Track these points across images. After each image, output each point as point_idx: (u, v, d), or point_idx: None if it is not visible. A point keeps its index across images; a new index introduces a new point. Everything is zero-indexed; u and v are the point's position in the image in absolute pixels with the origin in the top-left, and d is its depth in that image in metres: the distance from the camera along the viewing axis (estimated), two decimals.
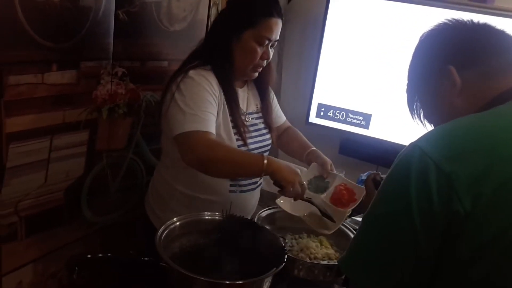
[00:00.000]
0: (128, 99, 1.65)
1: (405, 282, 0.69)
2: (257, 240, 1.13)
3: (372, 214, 0.74)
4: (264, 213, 1.49)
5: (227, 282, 0.97)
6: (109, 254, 1.00)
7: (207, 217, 1.18)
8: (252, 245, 1.11)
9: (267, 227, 1.34)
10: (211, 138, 1.27)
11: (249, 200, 1.54)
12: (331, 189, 1.49)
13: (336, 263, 1.31)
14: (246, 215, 1.52)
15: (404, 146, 2.24)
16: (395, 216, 0.69)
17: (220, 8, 1.95)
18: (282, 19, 1.40)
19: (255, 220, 1.39)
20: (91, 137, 1.56)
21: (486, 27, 0.81)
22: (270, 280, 1.03)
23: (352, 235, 1.46)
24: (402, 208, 0.68)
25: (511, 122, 0.72)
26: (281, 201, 1.44)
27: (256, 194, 1.58)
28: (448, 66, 0.79)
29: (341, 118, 2.34)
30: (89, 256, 0.96)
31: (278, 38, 1.41)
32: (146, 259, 0.96)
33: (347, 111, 2.32)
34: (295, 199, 1.33)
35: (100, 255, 0.99)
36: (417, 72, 0.88)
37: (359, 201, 1.44)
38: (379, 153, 2.29)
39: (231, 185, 1.45)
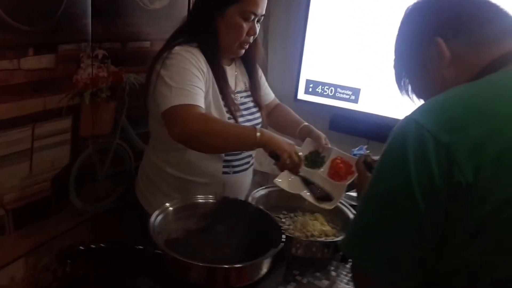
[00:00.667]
0: (111, 83, 1.59)
1: (410, 261, 0.66)
2: (253, 222, 1.10)
3: (372, 194, 0.71)
4: (258, 193, 1.47)
5: (226, 266, 0.95)
6: (101, 245, 0.96)
7: (200, 200, 1.15)
8: (248, 227, 1.09)
9: (261, 207, 1.32)
10: (201, 111, 1.23)
11: (243, 181, 1.51)
12: (327, 163, 1.47)
13: (333, 240, 1.30)
14: (240, 196, 1.50)
15: (395, 119, 2.24)
16: (395, 194, 0.66)
17: None
18: None
19: (249, 200, 1.37)
20: (75, 123, 1.50)
21: None
22: (269, 261, 1.00)
23: (347, 211, 1.45)
24: (402, 184, 0.65)
25: (507, 88, 0.69)
26: (279, 180, 1.41)
27: (249, 174, 1.55)
28: (436, 38, 0.77)
29: (330, 94, 2.30)
30: (81, 247, 0.92)
31: (264, 12, 1.36)
32: (141, 247, 0.92)
33: (336, 86, 2.28)
34: (292, 171, 1.30)
35: (93, 246, 0.95)
36: (404, 46, 0.86)
37: (356, 174, 1.43)
38: (370, 127, 2.27)
39: (224, 166, 1.41)
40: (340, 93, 2.28)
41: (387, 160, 0.70)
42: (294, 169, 1.29)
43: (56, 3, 1.31)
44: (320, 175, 1.45)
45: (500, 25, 0.76)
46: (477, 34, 0.76)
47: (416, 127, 0.66)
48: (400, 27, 0.87)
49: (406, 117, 0.69)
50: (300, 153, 1.33)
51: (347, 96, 2.27)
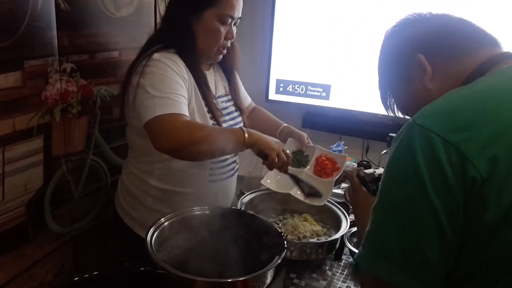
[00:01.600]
0: (81, 97, 1.52)
1: (433, 265, 0.65)
2: (251, 230, 1.08)
3: (384, 202, 0.69)
4: (245, 199, 1.45)
5: (232, 280, 0.92)
6: (95, 273, 0.90)
7: (196, 212, 1.11)
8: (247, 236, 1.06)
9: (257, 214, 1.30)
10: (187, 120, 1.19)
11: (230, 187, 1.48)
12: (312, 162, 1.49)
13: (327, 240, 1.30)
14: (228, 203, 1.47)
15: (366, 113, 2.27)
16: (410, 199, 0.65)
17: None
18: None
19: (239, 207, 1.34)
20: (46, 143, 1.42)
21: (445, 16, 0.84)
22: (273, 270, 0.99)
23: (335, 209, 1.46)
24: (416, 189, 0.64)
25: (503, 86, 0.71)
26: (268, 181, 1.41)
27: (234, 180, 1.53)
28: (417, 55, 0.80)
29: (301, 92, 2.32)
30: (77, 278, 0.86)
31: (240, 15, 1.34)
32: (145, 268, 0.88)
33: (307, 84, 2.30)
34: (281, 170, 1.29)
35: (86, 275, 0.89)
36: (387, 66, 0.89)
37: (342, 169, 1.46)
38: (342, 123, 2.31)
39: (210, 174, 1.38)
40: (311, 90, 2.30)
41: (395, 167, 0.69)
42: (283, 167, 1.29)
43: (19, 17, 1.23)
44: (306, 173, 1.46)
45: (475, 37, 0.80)
46: (456, 48, 0.79)
47: (421, 130, 0.65)
48: (381, 49, 0.90)
49: (408, 124, 0.69)
50: (288, 151, 1.33)
51: (318, 93, 2.29)
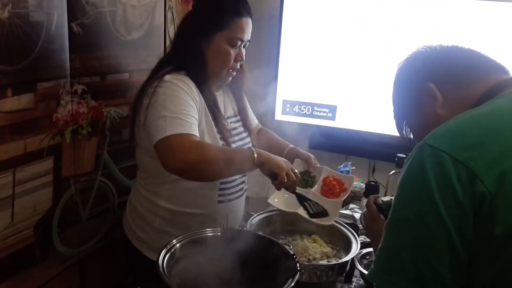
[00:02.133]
0: (91, 118, 1.53)
1: (446, 281, 0.66)
2: (264, 252, 1.07)
3: (396, 220, 0.71)
4: (254, 220, 1.44)
5: None
6: None
7: (208, 234, 1.11)
8: (259, 258, 1.05)
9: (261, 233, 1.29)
10: (195, 140, 1.19)
11: (238, 208, 1.48)
12: (319, 182, 1.49)
13: (337, 262, 1.29)
14: (236, 224, 1.47)
15: (372, 133, 2.27)
16: (421, 215, 0.67)
17: (175, 12, 1.86)
18: (252, 18, 1.35)
19: (247, 228, 1.33)
20: (56, 164, 1.43)
21: (454, 47, 0.89)
22: None
23: (345, 230, 1.45)
24: (427, 206, 0.66)
25: (509, 106, 0.74)
26: (275, 200, 1.41)
27: (243, 200, 1.52)
28: (427, 83, 0.85)
29: (307, 113, 2.32)
30: None
31: (249, 38, 1.36)
32: None
33: (313, 104, 2.31)
34: (289, 189, 1.29)
35: None
36: (401, 97, 0.94)
37: (349, 190, 1.47)
38: (349, 143, 2.31)
39: (219, 195, 1.37)
40: (317, 111, 2.31)
41: (407, 185, 0.71)
42: (291, 187, 1.29)
43: (34, 40, 1.25)
44: (314, 193, 1.45)
45: (483, 65, 0.85)
46: (465, 75, 0.84)
47: (431, 150, 0.68)
48: (395, 82, 0.95)
49: (419, 144, 0.71)
50: (296, 171, 1.33)
51: (324, 114, 2.30)
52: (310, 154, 1.53)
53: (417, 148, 0.71)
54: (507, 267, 0.64)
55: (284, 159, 1.28)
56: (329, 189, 1.48)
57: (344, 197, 1.45)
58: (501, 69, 0.85)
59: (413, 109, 0.90)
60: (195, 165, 1.16)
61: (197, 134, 1.22)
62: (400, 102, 0.94)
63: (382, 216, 1.08)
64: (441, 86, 0.85)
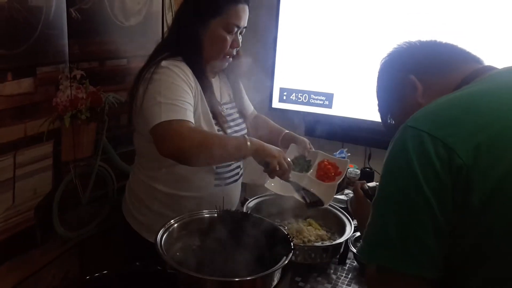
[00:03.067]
0: (90, 103, 1.55)
1: (430, 248, 0.70)
2: (259, 232, 1.10)
3: (381, 197, 0.76)
4: (250, 204, 1.47)
5: (240, 279, 0.94)
6: (105, 272, 0.92)
7: (204, 215, 1.14)
8: (254, 238, 1.08)
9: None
10: (190, 126, 1.22)
11: (234, 192, 1.50)
12: (314, 166, 1.51)
13: (331, 244, 1.32)
14: (233, 208, 1.49)
15: (368, 121, 2.29)
16: (404, 191, 0.71)
17: None
18: (248, 5, 1.36)
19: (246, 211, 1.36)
20: (56, 148, 1.45)
21: (433, 41, 0.95)
22: (280, 272, 1.01)
23: (337, 212, 1.48)
24: (409, 182, 0.71)
25: (486, 90, 0.79)
26: (272, 184, 1.43)
27: (239, 185, 1.55)
28: (409, 76, 0.91)
29: (304, 100, 2.35)
30: (88, 277, 0.88)
31: (246, 24, 1.38)
32: (159, 267, 0.90)
33: (310, 92, 2.33)
34: (282, 177, 1.31)
35: (97, 274, 0.91)
36: (384, 91, 1.00)
37: (344, 174, 1.50)
38: (345, 131, 2.33)
39: (216, 179, 1.40)
40: (314, 99, 2.33)
41: (391, 164, 0.76)
42: (284, 175, 1.31)
43: (33, 25, 1.27)
44: (309, 177, 1.48)
45: (460, 56, 0.91)
46: (443, 66, 0.90)
47: (412, 131, 0.73)
48: (378, 76, 1.01)
49: (402, 127, 0.77)
50: (289, 159, 1.35)
51: (321, 102, 2.32)
52: (305, 139, 1.56)
53: (400, 130, 0.76)
54: (483, 233, 0.69)
55: (277, 148, 1.30)
56: (324, 173, 1.50)
57: (339, 180, 1.47)
58: (476, 59, 0.91)
59: (396, 101, 0.95)
60: (189, 151, 1.18)
61: (192, 120, 1.24)
62: (384, 96, 1.00)
63: (368, 201, 1.12)
64: (421, 77, 0.90)
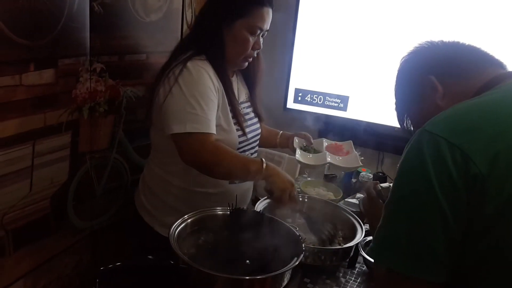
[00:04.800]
0: (108, 96, 1.57)
1: (439, 254, 0.70)
2: (271, 232, 1.11)
3: (394, 199, 0.76)
4: (261, 204, 1.48)
5: (251, 277, 0.95)
6: (118, 264, 0.94)
7: (218, 212, 1.15)
8: (266, 237, 1.09)
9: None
10: (213, 142, 1.25)
11: (248, 190, 1.51)
12: (324, 150, 1.64)
13: (342, 247, 1.32)
14: (245, 206, 1.50)
15: (382, 125, 2.28)
16: (418, 196, 0.71)
17: None
18: (272, 9, 1.37)
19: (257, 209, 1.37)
20: (74, 139, 1.47)
21: (455, 43, 0.93)
22: (290, 272, 1.01)
23: (349, 216, 1.48)
24: (423, 187, 0.70)
25: (506, 97, 0.78)
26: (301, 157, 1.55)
27: (251, 184, 1.56)
28: (429, 76, 0.89)
29: (319, 102, 2.34)
30: (102, 268, 0.89)
31: (268, 28, 1.38)
32: (171, 262, 0.91)
33: (325, 94, 2.32)
34: (287, 207, 1.31)
35: (111, 266, 0.93)
36: (403, 90, 0.98)
37: (352, 153, 1.64)
38: (358, 134, 2.32)
39: None
40: (329, 101, 2.33)
41: (406, 167, 0.76)
42: (284, 207, 1.31)
43: (57, 17, 1.29)
44: (329, 154, 1.59)
45: (482, 60, 0.89)
46: (464, 69, 0.88)
47: (429, 135, 0.73)
48: (397, 74, 0.99)
49: (419, 130, 0.76)
50: (299, 147, 1.53)
51: (336, 104, 2.32)
52: (305, 132, 1.67)
53: (417, 134, 0.76)
54: (495, 244, 0.69)
55: (292, 180, 1.30)
56: (335, 150, 1.64)
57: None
58: (499, 64, 0.89)
59: (414, 101, 0.94)
60: (208, 166, 1.25)
61: (214, 131, 1.27)
62: (402, 95, 0.98)
63: (380, 202, 1.12)
64: (441, 79, 0.88)
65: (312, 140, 1.65)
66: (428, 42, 0.95)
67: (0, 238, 1.28)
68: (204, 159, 1.24)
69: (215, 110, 1.29)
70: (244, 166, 1.25)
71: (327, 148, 1.64)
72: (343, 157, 1.62)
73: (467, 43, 0.93)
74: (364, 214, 1.25)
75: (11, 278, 1.37)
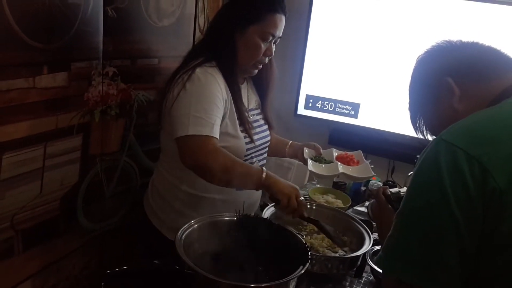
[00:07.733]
0: (120, 100, 1.59)
1: (453, 268, 0.68)
2: (277, 239, 1.10)
3: (407, 209, 0.74)
4: (269, 210, 1.47)
5: (257, 285, 0.94)
6: (123, 267, 0.94)
7: (224, 218, 1.15)
8: (272, 245, 1.09)
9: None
10: (214, 145, 1.24)
11: (255, 197, 1.51)
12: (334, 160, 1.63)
13: (349, 256, 1.31)
14: (252, 212, 1.50)
15: (393, 133, 2.26)
16: (432, 208, 0.69)
17: (206, 2, 1.90)
18: (285, 16, 1.37)
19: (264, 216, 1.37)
20: (85, 141, 1.49)
21: (475, 44, 0.89)
22: (295, 280, 1.01)
23: (357, 225, 1.47)
24: (438, 199, 0.68)
25: None
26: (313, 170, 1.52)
27: (260, 191, 1.55)
28: (445, 77, 0.85)
29: (329, 109, 2.34)
30: (108, 272, 0.90)
31: (281, 35, 1.38)
32: (170, 267, 0.92)
33: (336, 101, 2.32)
34: (294, 216, 1.28)
35: (116, 269, 0.93)
36: (417, 89, 0.94)
37: (363, 163, 1.62)
38: (369, 142, 2.31)
39: None
40: (340, 108, 2.32)
41: (421, 177, 0.73)
42: (295, 214, 1.26)
43: (71, 21, 1.31)
44: (340, 164, 1.57)
45: (502, 63, 0.84)
46: (483, 72, 0.84)
47: (446, 145, 0.70)
48: (412, 73, 0.95)
49: (435, 139, 0.73)
50: (310, 157, 1.49)
51: (347, 111, 2.31)
52: (314, 143, 1.65)
53: (433, 143, 0.73)
54: (510, 261, 0.66)
55: (294, 185, 1.27)
56: (346, 161, 1.62)
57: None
58: None
59: (429, 103, 0.90)
60: (206, 170, 1.22)
61: (217, 136, 1.25)
62: (416, 95, 0.94)
63: (390, 207, 1.10)
64: (459, 81, 0.84)
65: (321, 150, 1.64)
66: (446, 41, 0.91)
67: (9, 238, 1.30)
68: (203, 162, 1.21)
69: (221, 116, 1.29)
70: (244, 173, 1.23)
71: (338, 158, 1.63)
72: (355, 167, 1.60)
73: (486, 44, 0.88)
74: (373, 219, 1.23)
75: (20, 277, 1.38)
